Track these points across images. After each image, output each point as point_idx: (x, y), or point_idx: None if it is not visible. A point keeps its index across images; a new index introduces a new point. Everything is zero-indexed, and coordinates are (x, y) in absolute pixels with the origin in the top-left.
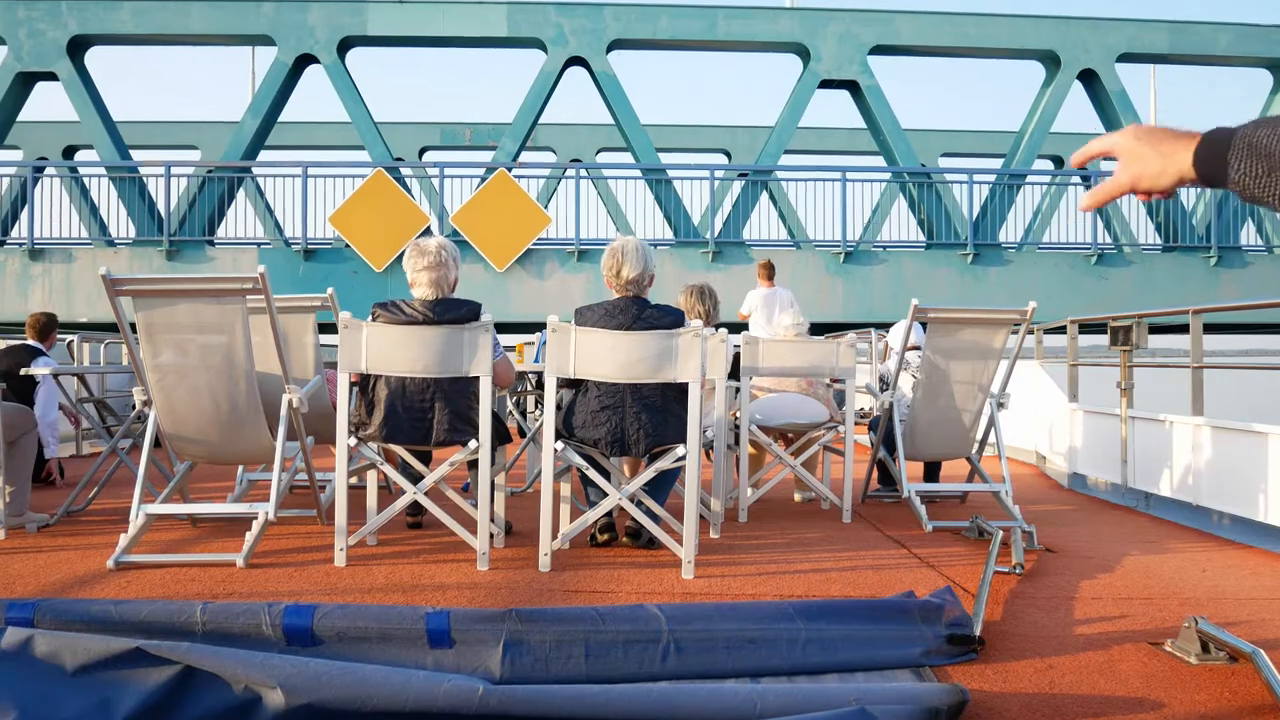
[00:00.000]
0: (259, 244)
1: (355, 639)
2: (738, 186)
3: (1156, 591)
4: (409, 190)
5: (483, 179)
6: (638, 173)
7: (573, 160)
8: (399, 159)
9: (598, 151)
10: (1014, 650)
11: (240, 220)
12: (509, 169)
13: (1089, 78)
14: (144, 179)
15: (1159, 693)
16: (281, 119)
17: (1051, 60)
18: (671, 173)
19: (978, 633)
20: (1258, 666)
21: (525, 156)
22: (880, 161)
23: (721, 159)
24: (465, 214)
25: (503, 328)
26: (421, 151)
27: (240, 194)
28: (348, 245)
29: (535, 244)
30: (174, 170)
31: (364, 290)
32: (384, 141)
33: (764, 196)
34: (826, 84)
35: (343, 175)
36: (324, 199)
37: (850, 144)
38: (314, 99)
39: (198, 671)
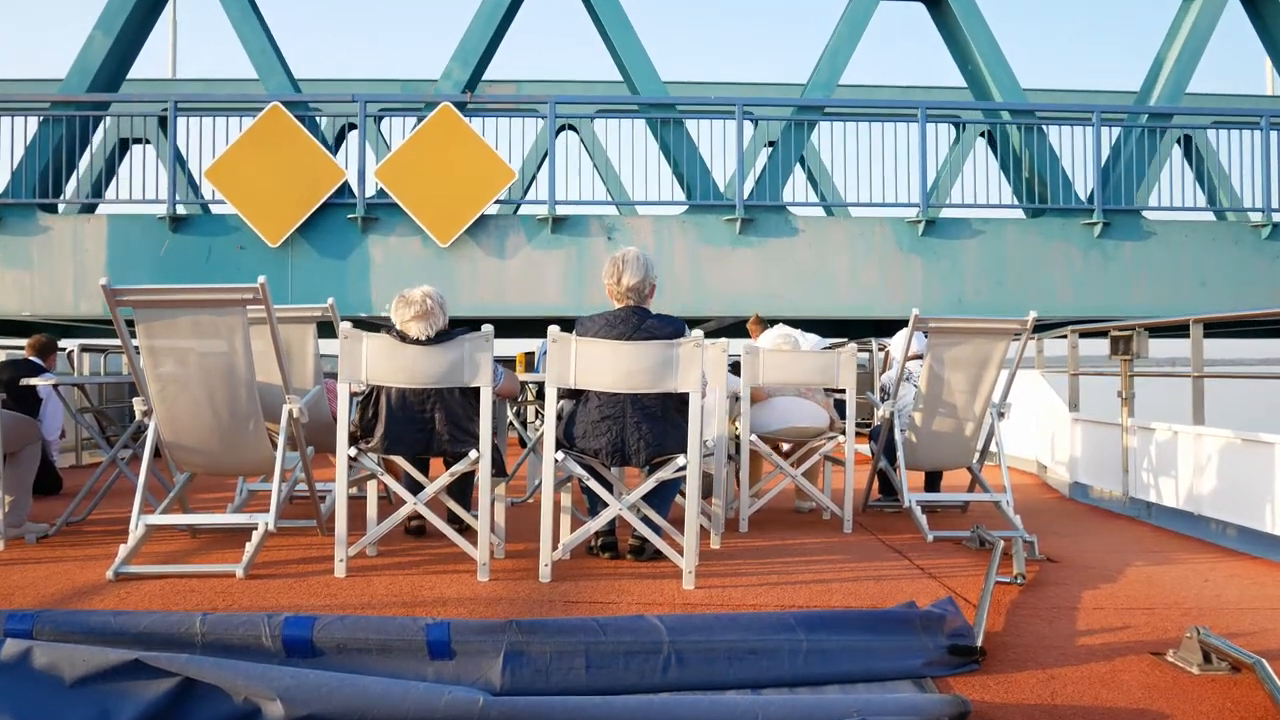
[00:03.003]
0: (117, 210)
1: (355, 650)
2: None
3: (1158, 601)
4: (326, 143)
5: (420, 119)
6: (636, 110)
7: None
8: (348, 121)
9: (594, 116)
10: (1016, 661)
11: (119, 176)
12: (462, 106)
13: None
14: None
15: (1161, 703)
16: (180, 73)
17: None
18: (684, 109)
19: (979, 643)
20: (1260, 677)
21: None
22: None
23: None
24: (395, 166)
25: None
26: (379, 119)
27: (97, 140)
28: (234, 211)
29: (493, 208)
30: None
31: (255, 272)
32: (286, 69)
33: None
34: None
35: (227, 112)
36: (199, 147)
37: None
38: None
39: (197, 683)
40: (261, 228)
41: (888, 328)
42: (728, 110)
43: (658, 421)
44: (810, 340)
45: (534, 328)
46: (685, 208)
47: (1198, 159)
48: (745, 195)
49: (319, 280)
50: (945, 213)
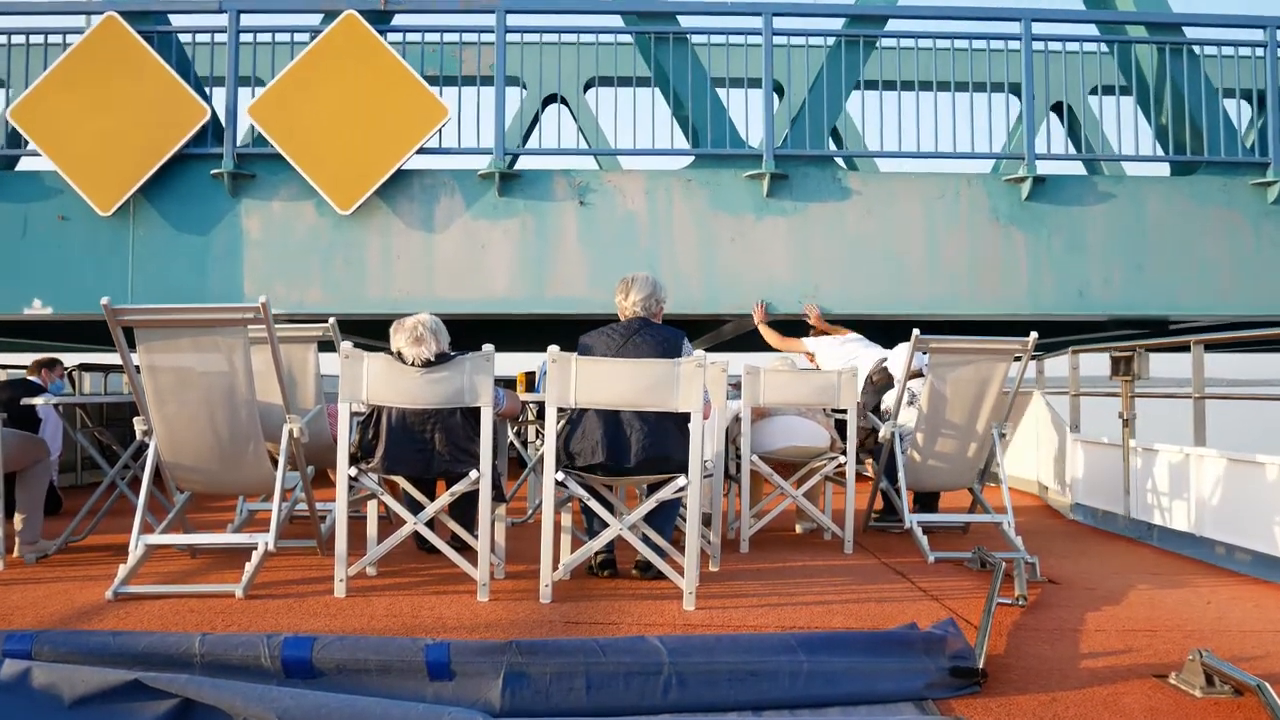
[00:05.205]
0: None
1: (354, 671)
2: (810, 53)
3: (1161, 624)
4: (188, 70)
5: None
6: (618, 22)
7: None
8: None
9: (586, 86)
10: (1017, 683)
11: None
12: (379, 20)
13: None
14: None
15: None
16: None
17: None
18: (688, 21)
19: (980, 665)
20: (1263, 700)
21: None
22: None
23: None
24: (278, 100)
25: (344, 326)
26: None
27: None
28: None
29: (415, 161)
30: None
31: (83, 249)
32: None
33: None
34: None
35: (54, 24)
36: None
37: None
38: None
39: (196, 704)
40: (89, 189)
41: (970, 333)
42: (751, 23)
43: (654, 424)
44: (875, 353)
45: (474, 332)
46: (690, 160)
47: None
48: (778, 143)
49: (171, 263)
50: (1059, 167)
